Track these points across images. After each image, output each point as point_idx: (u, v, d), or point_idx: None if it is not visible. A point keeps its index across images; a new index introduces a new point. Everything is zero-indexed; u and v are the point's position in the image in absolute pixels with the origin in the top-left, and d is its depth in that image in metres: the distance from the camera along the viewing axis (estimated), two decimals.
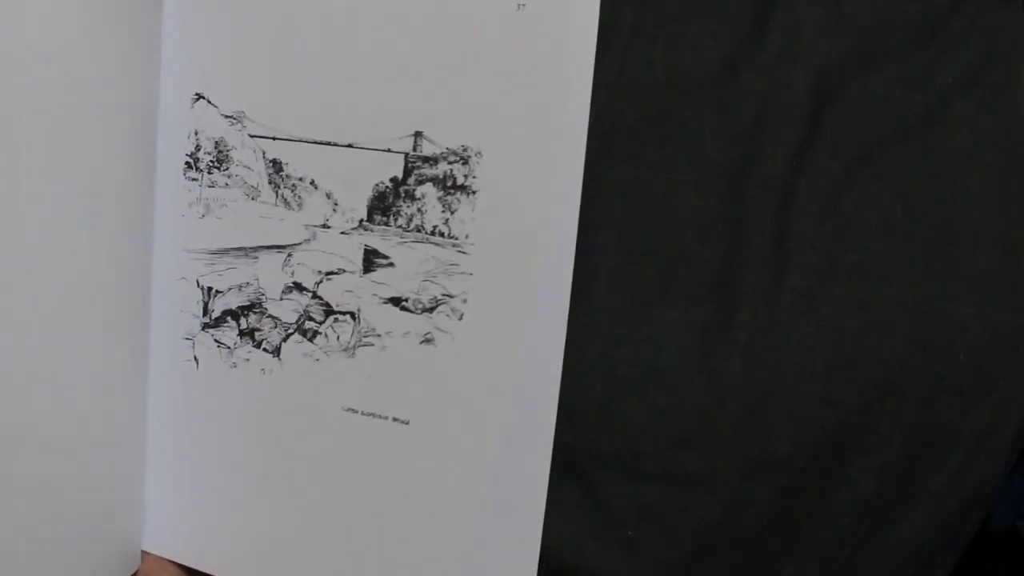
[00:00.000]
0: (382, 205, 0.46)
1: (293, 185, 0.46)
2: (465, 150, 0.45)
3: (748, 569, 0.47)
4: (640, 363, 0.47)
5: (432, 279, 0.45)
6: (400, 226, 0.45)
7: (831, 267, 0.47)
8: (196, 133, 0.46)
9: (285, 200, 0.46)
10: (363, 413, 0.45)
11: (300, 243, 0.46)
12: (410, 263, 0.45)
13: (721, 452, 0.46)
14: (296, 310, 0.46)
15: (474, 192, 0.45)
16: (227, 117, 0.46)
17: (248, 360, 0.46)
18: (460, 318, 0.45)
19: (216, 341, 0.46)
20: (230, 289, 0.46)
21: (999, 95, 0.49)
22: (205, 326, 0.47)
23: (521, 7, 0.42)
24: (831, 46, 0.49)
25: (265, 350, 0.46)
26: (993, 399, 0.47)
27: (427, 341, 0.45)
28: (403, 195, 0.45)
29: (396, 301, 0.45)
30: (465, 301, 0.45)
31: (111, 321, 0.43)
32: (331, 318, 0.46)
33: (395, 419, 0.45)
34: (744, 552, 0.47)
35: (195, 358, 0.46)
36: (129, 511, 0.45)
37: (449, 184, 0.45)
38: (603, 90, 0.48)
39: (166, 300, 0.46)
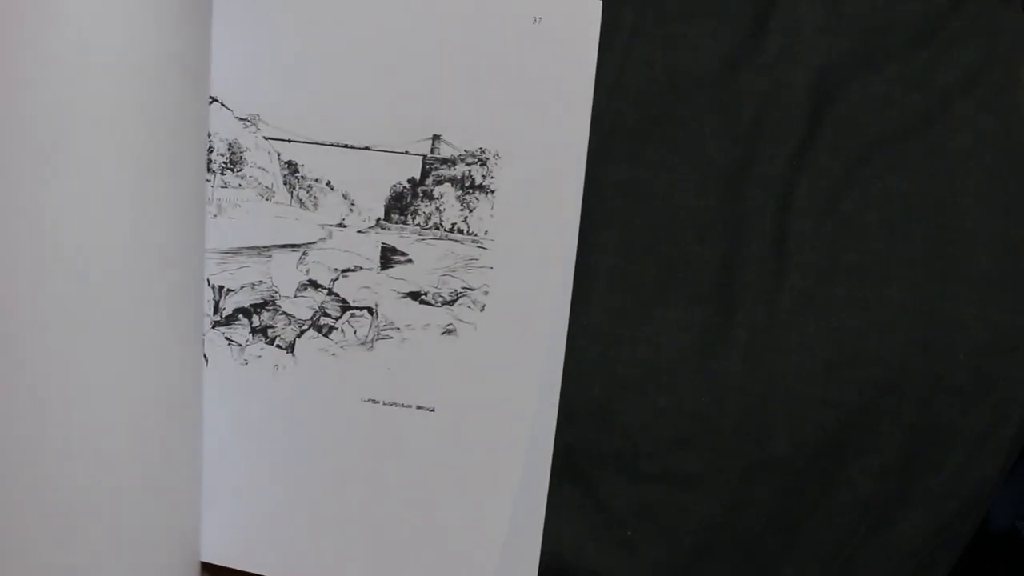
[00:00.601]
0: (399, 205, 0.46)
1: (309, 186, 0.46)
2: (483, 152, 0.46)
3: (748, 569, 0.47)
4: (640, 363, 0.47)
5: (452, 273, 0.46)
6: (418, 224, 0.46)
7: (831, 267, 0.47)
8: (209, 135, 0.46)
9: (300, 200, 0.46)
10: (384, 403, 0.46)
11: (315, 242, 0.46)
12: (429, 259, 0.46)
13: (721, 452, 0.46)
14: (311, 307, 0.46)
15: (492, 191, 0.46)
16: (241, 120, 0.46)
17: (260, 357, 0.46)
18: (482, 309, 0.46)
19: (227, 339, 0.47)
20: (242, 287, 0.47)
21: (999, 95, 0.49)
22: (216, 324, 0.47)
23: (537, 20, 0.44)
24: (831, 46, 0.49)
25: (278, 346, 0.46)
26: (993, 399, 0.47)
27: (449, 332, 0.46)
28: (421, 195, 0.46)
29: (415, 295, 0.46)
30: (487, 293, 0.46)
31: (168, 328, 0.43)
32: (347, 314, 0.46)
33: (419, 407, 0.46)
34: (744, 552, 0.47)
35: (204, 356, 0.47)
36: (190, 519, 0.45)
37: (467, 184, 0.46)
38: (603, 90, 0.48)
39: None
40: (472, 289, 0.46)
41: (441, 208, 0.46)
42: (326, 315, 0.46)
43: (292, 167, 0.46)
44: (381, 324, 0.46)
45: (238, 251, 0.46)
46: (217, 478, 0.46)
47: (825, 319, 0.47)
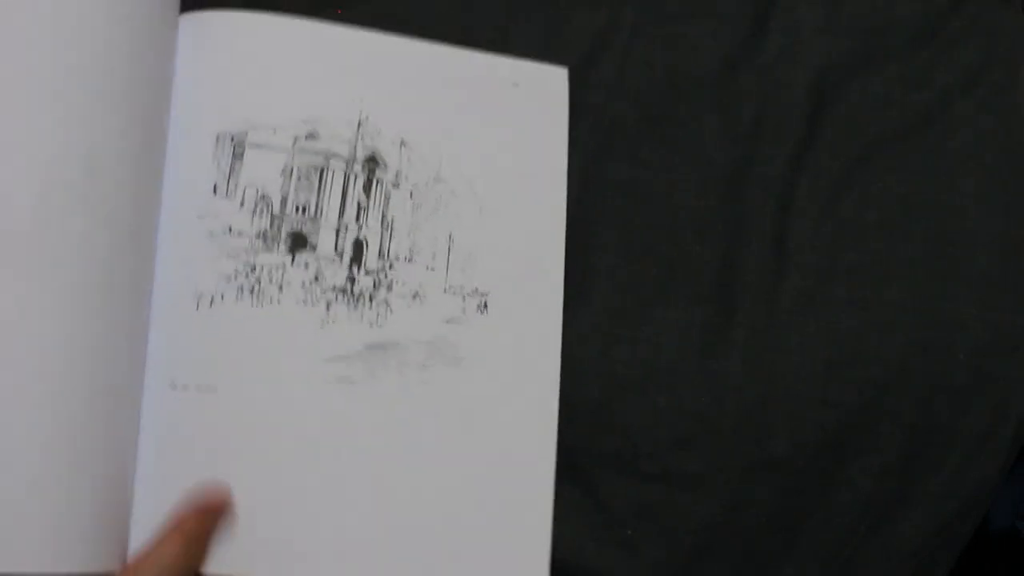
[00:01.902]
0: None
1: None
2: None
3: (748, 569, 0.47)
4: (640, 363, 0.47)
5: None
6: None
7: (831, 267, 0.47)
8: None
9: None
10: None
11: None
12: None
13: (721, 452, 0.46)
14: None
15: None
16: None
17: None
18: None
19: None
20: None
21: (999, 95, 0.49)
22: None
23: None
24: (831, 46, 0.49)
25: None
26: (993, 399, 0.47)
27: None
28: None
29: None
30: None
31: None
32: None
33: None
34: (744, 552, 0.47)
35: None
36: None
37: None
38: (603, 90, 0.48)
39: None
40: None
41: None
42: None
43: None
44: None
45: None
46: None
47: (825, 319, 0.47)
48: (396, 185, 0.47)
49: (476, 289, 0.47)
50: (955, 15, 0.50)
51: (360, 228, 0.47)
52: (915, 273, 0.47)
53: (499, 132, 0.48)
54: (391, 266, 0.46)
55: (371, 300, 0.46)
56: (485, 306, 0.46)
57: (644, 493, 0.46)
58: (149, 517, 0.43)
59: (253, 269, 0.45)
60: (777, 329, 0.47)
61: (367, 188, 0.47)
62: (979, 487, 0.47)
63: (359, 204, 0.47)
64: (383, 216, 0.47)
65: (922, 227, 0.48)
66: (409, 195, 0.47)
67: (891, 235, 0.48)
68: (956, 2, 0.50)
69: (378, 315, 0.46)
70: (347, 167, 0.47)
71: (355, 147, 0.47)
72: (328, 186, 0.47)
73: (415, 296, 0.46)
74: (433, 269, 0.47)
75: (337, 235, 0.46)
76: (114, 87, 0.43)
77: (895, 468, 0.47)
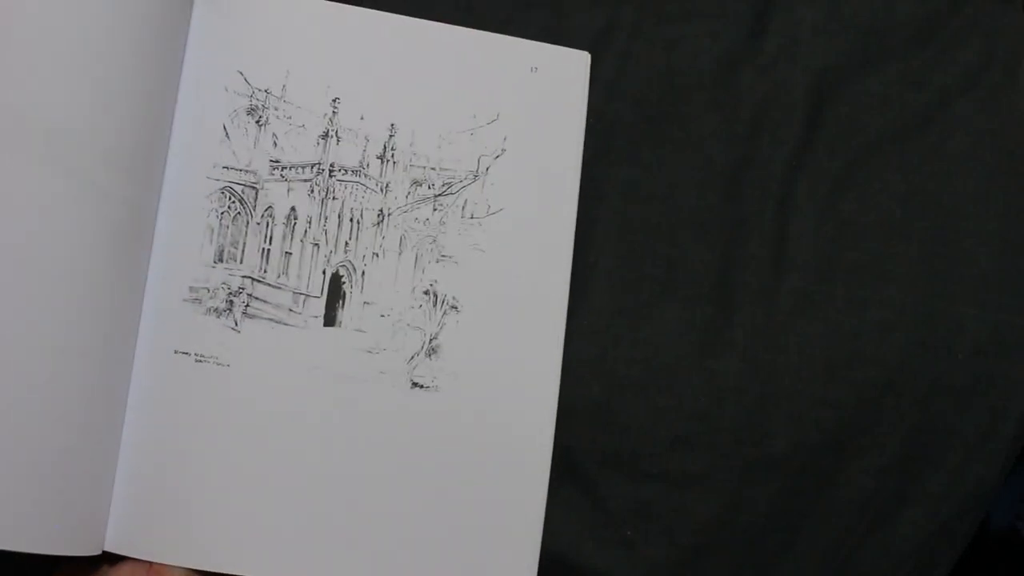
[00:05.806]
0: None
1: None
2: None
3: (746, 568, 0.47)
4: (640, 363, 0.47)
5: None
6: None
7: (830, 267, 0.47)
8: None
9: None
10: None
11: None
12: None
13: (720, 452, 0.46)
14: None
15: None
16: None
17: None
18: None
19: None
20: None
21: (998, 95, 0.49)
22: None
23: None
24: (830, 46, 0.49)
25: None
26: (991, 399, 0.47)
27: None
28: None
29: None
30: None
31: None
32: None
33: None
34: (743, 552, 0.47)
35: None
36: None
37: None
38: (603, 90, 0.48)
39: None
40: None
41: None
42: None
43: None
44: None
45: None
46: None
47: (825, 319, 0.47)
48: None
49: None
50: (955, 15, 0.50)
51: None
52: (915, 273, 0.47)
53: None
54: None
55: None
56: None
57: (643, 493, 0.46)
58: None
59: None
60: (777, 329, 0.47)
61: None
62: (979, 487, 0.47)
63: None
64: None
65: (922, 227, 0.48)
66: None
67: (891, 235, 0.48)
68: (956, 2, 0.50)
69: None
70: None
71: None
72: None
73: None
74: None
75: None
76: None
77: (895, 468, 0.47)
